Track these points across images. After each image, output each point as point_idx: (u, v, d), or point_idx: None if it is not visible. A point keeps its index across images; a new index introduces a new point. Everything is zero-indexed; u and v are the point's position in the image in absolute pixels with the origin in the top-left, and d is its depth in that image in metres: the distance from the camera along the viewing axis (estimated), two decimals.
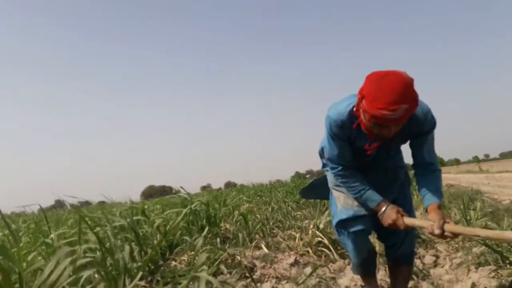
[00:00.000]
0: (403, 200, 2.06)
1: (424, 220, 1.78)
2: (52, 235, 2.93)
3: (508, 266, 2.59)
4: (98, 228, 2.90)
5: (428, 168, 1.90)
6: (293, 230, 4.38)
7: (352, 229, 2.04)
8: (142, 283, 2.38)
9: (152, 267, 2.94)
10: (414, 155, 1.95)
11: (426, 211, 1.80)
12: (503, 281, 2.42)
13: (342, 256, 3.39)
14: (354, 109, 1.76)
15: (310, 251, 3.52)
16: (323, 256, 3.41)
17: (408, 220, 1.81)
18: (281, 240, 4.08)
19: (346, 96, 1.90)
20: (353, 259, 2.17)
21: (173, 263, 3.25)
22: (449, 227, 1.64)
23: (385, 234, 2.12)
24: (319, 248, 3.52)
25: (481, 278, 2.55)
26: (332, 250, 3.40)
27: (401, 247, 2.10)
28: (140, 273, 2.03)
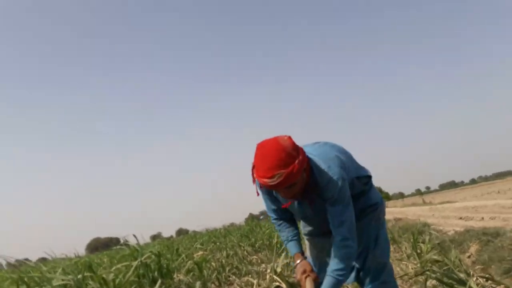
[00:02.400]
0: (367, 240, 2.05)
1: None
2: None
3: None
4: None
5: (336, 240, 1.85)
6: (250, 276, 4.27)
7: None
8: None
9: None
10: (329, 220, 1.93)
11: None
12: None
13: None
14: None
15: None
16: None
17: (306, 284, 1.88)
18: (238, 287, 3.96)
19: None
20: None
21: None
22: None
23: (362, 279, 2.10)
24: None
25: None
26: None
27: None
28: None
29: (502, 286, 2.90)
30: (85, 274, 4.02)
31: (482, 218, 8.84)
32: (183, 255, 5.96)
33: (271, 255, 5.94)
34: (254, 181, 1.82)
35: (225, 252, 6.84)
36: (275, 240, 7.04)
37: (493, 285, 2.88)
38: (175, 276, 4.64)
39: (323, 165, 1.82)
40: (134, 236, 4.75)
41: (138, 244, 4.96)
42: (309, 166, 1.80)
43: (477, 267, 3.46)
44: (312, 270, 1.93)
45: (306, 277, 1.88)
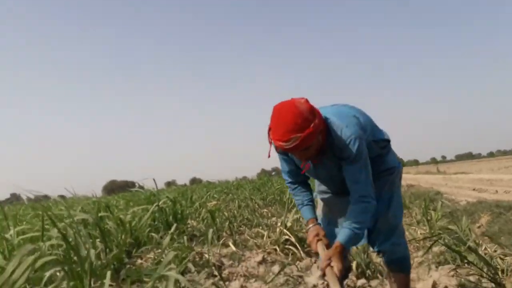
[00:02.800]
0: (381, 204, 2.01)
1: (326, 252, 1.84)
2: (11, 231, 2.79)
3: (466, 265, 2.71)
4: (61, 224, 2.77)
5: (354, 198, 1.87)
6: (260, 227, 4.40)
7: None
8: (108, 281, 2.31)
9: (117, 265, 2.87)
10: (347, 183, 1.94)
11: None
12: (462, 279, 2.54)
13: (309, 254, 3.44)
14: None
15: (278, 249, 3.54)
16: (290, 254, 3.44)
17: (318, 247, 1.91)
18: (249, 238, 4.09)
19: None
20: None
21: (139, 261, 3.18)
22: (329, 273, 1.70)
23: (372, 240, 2.11)
24: (286, 246, 3.56)
25: (441, 276, 2.66)
26: (299, 248, 3.44)
27: (388, 253, 2.09)
28: (109, 272, 1.96)
29: (510, 257, 2.94)
30: (103, 213, 4.20)
31: (496, 191, 8.79)
32: (197, 203, 6.13)
33: (281, 210, 6.08)
34: (270, 143, 1.81)
35: (236, 203, 7.01)
36: (286, 196, 7.17)
37: (501, 256, 2.92)
38: (188, 222, 4.81)
39: (340, 125, 1.82)
40: (154, 180, 4.85)
41: (155, 188, 5.10)
42: (326, 127, 1.80)
43: (486, 237, 3.48)
44: (324, 236, 1.95)
45: (317, 241, 1.91)
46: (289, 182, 2.17)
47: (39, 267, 1.97)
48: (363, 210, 1.84)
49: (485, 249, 2.92)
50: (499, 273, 2.70)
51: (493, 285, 2.39)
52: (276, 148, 1.94)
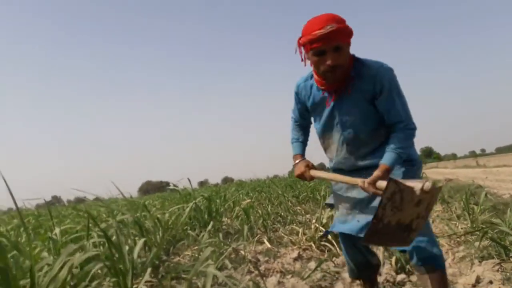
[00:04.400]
0: None
1: (334, 175, 1.85)
2: (56, 231, 2.92)
3: (511, 259, 2.60)
4: (103, 224, 2.88)
5: (396, 126, 1.78)
6: (294, 224, 4.38)
7: (337, 230, 2.07)
8: (148, 278, 2.37)
9: (156, 262, 2.94)
10: (384, 118, 1.84)
11: None
12: (508, 274, 2.44)
13: None
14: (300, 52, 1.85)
15: (313, 245, 3.53)
16: (326, 251, 3.42)
17: (314, 172, 1.91)
18: (283, 235, 4.09)
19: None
20: (348, 266, 2.24)
21: (177, 258, 3.25)
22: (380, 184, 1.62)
23: None
24: (322, 243, 3.53)
25: (485, 271, 2.56)
26: (335, 244, 3.41)
27: (416, 250, 1.79)
28: (150, 269, 2.02)
29: None
30: (141, 213, 4.31)
31: None
32: (230, 201, 6.19)
33: (315, 207, 6.03)
34: (299, 48, 1.80)
35: (269, 201, 7.02)
36: (320, 194, 7.11)
37: None
38: (223, 220, 4.86)
39: (372, 60, 1.80)
40: (189, 180, 4.96)
41: (189, 188, 5.20)
42: (353, 58, 1.80)
43: None
44: (313, 165, 1.99)
45: (309, 169, 1.95)
46: (295, 120, 2.18)
47: (83, 264, 2.05)
48: (406, 136, 1.77)
49: None
50: None
51: None
52: (295, 89, 2.02)
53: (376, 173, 1.68)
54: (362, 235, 1.87)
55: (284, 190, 9.16)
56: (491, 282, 2.36)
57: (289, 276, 2.78)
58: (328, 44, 1.67)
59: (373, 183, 1.64)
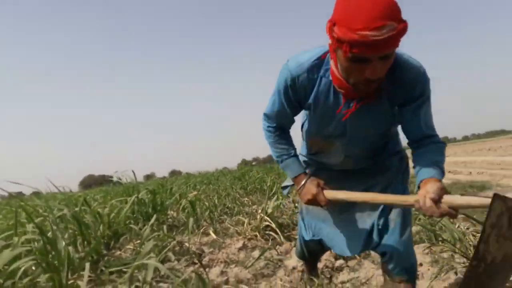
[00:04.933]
0: (392, 190, 1.60)
1: (357, 194, 1.40)
2: None
3: (440, 243, 2.79)
4: (38, 218, 2.73)
5: (426, 141, 1.45)
6: (241, 215, 4.41)
7: (306, 238, 1.90)
8: (86, 273, 2.29)
9: (96, 257, 2.84)
10: (407, 130, 1.50)
11: (419, 188, 1.33)
12: (436, 256, 2.62)
13: (289, 238, 3.48)
14: (326, 54, 1.38)
15: (258, 235, 3.57)
16: (270, 240, 3.47)
17: (330, 194, 1.47)
18: (229, 226, 4.11)
19: (318, 47, 1.45)
20: (298, 247, 2.10)
21: (118, 252, 3.16)
22: (451, 199, 1.20)
23: (378, 235, 1.65)
24: (267, 232, 3.59)
25: (417, 255, 2.74)
26: (279, 233, 3.47)
27: (395, 257, 1.60)
28: (88, 264, 1.94)
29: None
30: (81, 207, 4.14)
31: (470, 172, 9.07)
32: (177, 194, 6.10)
33: (262, 198, 6.11)
34: (333, 50, 1.27)
35: (217, 193, 7.02)
36: (267, 184, 7.21)
37: (473, 233, 3.02)
38: (168, 213, 4.79)
39: (405, 55, 1.37)
40: (133, 172, 4.82)
41: (132, 181, 5.06)
42: None
43: (460, 216, 3.59)
44: (324, 183, 1.53)
45: (322, 190, 1.49)
46: (274, 128, 1.64)
47: (13, 260, 1.94)
48: (444, 150, 1.44)
49: (459, 227, 3.02)
50: (471, 249, 2.80)
51: (464, 260, 2.47)
52: (284, 82, 1.45)
53: (436, 185, 1.25)
54: (357, 253, 1.70)
55: (232, 182, 9.20)
56: (421, 264, 2.52)
57: (232, 266, 2.80)
58: (377, 52, 1.16)
59: (439, 200, 1.22)
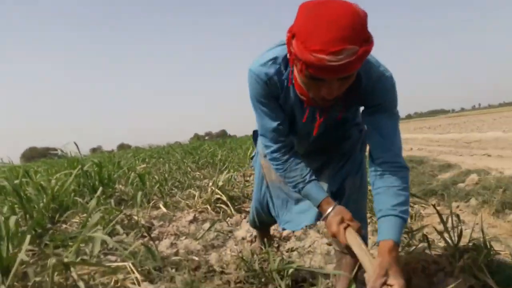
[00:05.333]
0: (351, 164, 1.61)
1: (368, 257, 1.24)
2: None
3: None
4: None
5: (387, 160, 1.33)
6: (192, 189, 4.41)
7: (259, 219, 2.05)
8: (29, 247, 2.21)
9: (40, 231, 2.74)
10: (369, 141, 1.40)
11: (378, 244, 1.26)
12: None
13: (239, 211, 3.54)
14: (288, 56, 1.23)
15: (209, 208, 3.60)
16: (221, 212, 3.52)
17: (350, 240, 1.29)
18: (180, 199, 4.10)
19: (278, 43, 1.37)
20: (251, 216, 2.19)
21: (64, 226, 3.07)
22: None
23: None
24: (218, 205, 3.63)
25: None
26: (230, 206, 3.52)
27: None
28: (28, 237, 1.87)
29: (418, 205, 3.27)
30: (22, 179, 3.94)
31: (411, 148, 9.63)
32: (125, 168, 5.97)
33: (214, 172, 6.13)
34: (292, 60, 1.17)
35: (168, 166, 6.93)
36: (218, 158, 7.23)
37: (411, 204, 3.23)
38: (116, 186, 4.68)
39: (370, 58, 1.28)
40: (75, 143, 4.62)
41: (78, 153, 4.88)
42: None
43: None
44: (351, 219, 1.32)
45: (345, 228, 1.31)
46: (277, 150, 1.47)
47: None
48: (406, 182, 1.31)
49: None
50: (408, 219, 3.00)
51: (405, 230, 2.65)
52: (254, 89, 1.36)
53: (383, 263, 1.17)
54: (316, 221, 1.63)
55: (183, 156, 9.12)
56: None
57: (182, 238, 2.82)
58: (333, 76, 1.09)
59: (383, 282, 1.14)
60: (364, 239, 1.59)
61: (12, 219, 2.19)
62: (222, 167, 6.12)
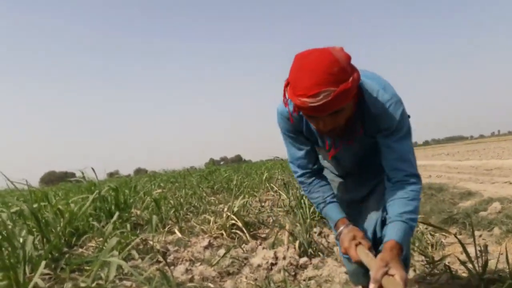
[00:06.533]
0: (377, 195, 1.68)
1: (375, 261, 1.27)
2: None
3: None
4: None
5: (397, 175, 1.45)
6: (207, 214, 4.39)
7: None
8: (46, 270, 2.21)
9: (56, 254, 2.75)
10: (382, 160, 1.51)
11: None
12: None
13: (255, 237, 3.50)
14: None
15: (224, 233, 3.57)
16: (236, 238, 3.48)
17: (360, 253, 1.36)
18: (195, 224, 4.08)
19: None
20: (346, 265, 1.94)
21: (80, 250, 3.07)
22: (390, 284, 1.17)
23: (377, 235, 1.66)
24: (233, 231, 3.59)
25: None
26: (245, 231, 3.49)
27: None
28: (45, 261, 1.88)
29: (439, 233, 3.18)
30: (41, 203, 3.98)
31: (430, 176, 9.43)
32: (141, 192, 5.99)
33: (228, 197, 6.11)
34: (286, 102, 1.38)
35: (183, 191, 6.94)
36: (233, 183, 7.21)
37: (431, 232, 3.15)
38: (132, 211, 4.69)
39: (375, 87, 1.41)
40: (92, 169, 4.68)
41: (96, 177, 4.92)
42: (360, 89, 1.39)
43: (419, 216, 3.73)
44: (363, 237, 1.43)
45: (356, 245, 1.39)
46: (302, 175, 1.66)
47: None
48: (415, 195, 1.42)
49: (417, 226, 3.14)
50: (429, 247, 2.92)
51: (423, 257, 2.57)
52: (293, 111, 1.48)
53: (385, 256, 1.25)
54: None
55: (199, 181, 9.13)
56: None
57: (198, 264, 2.79)
58: (319, 114, 1.27)
59: (385, 272, 1.20)
60: (407, 260, 1.67)
61: (29, 241, 2.21)
62: (237, 192, 6.09)
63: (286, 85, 1.32)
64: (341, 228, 1.50)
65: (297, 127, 1.55)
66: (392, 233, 1.34)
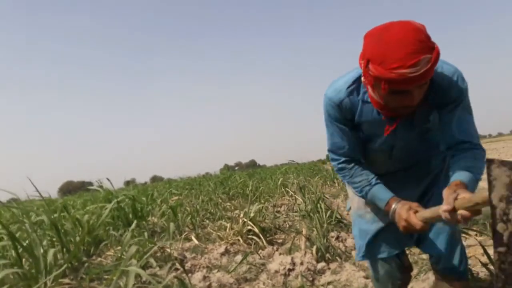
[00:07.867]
0: (435, 198, 1.53)
1: (435, 209, 1.22)
2: None
3: None
4: (14, 226, 2.66)
5: (462, 146, 1.40)
6: (223, 220, 4.40)
7: (378, 255, 1.65)
8: (66, 280, 2.25)
9: (76, 264, 2.79)
10: (442, 135, 1.47)
11: None
12: (415, 257, 2.66)
13: (271, 242, 3.49)
14: (362, 79, 1.37)
15: (241, 239, 3.57)
16: (253, 244, 3.48)
17: (421, 215, 1.29)
18: (212, 231, 4.09)
19: (351, 70, 1.51)
20: (374, 283, 1.80)
21: (99, 259, 3.11)
22: (460, 202, 1.10)
23: (422, 240, 1.61)
24: (249, 237, 3.59)
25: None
26: (262, 237, 3.48)
27: (445, 257, 1.56)
28: (66, 270, 1.91)
29: None
30: (60, 214, 4.06)
31: None
32: (158, 200, 6.05)
33: (244, 203, 6.11)
34: (370, 82, 1.30)
35: (200, 198, 6.97)
36: (249, 189, 7.21)
37: None
38: (149, 218, 4.74)
39: (443, 65, 1.39)
40: (108, 180, 4.76)
41: (112, 187, 5.00)
42: None
43: None
44: (419, 205, 1.35)
45: (414, 213, 1.32)
46: (343, 162, 1.59)
47: None
48: (481, 157, 1.37)
49: None
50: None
51: None
52: (328, 111, 1.49)
53: (449, 186, 1.22)
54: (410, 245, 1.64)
55: (214, 187, 9.16)
56: None
57: (215, 271, 2.79)
58: (416, 84, 1.21)
59: (452, 200, 1.13)
60: (464, 266, 1.59)
61: (51, 253, 2.25)
62: (253, 198, 6.09)
63: (366, 63, 1.25)
64: (393, 205, 1.42)
65: (347, 114, 1.49)
66: (457, 176, 1.29)
